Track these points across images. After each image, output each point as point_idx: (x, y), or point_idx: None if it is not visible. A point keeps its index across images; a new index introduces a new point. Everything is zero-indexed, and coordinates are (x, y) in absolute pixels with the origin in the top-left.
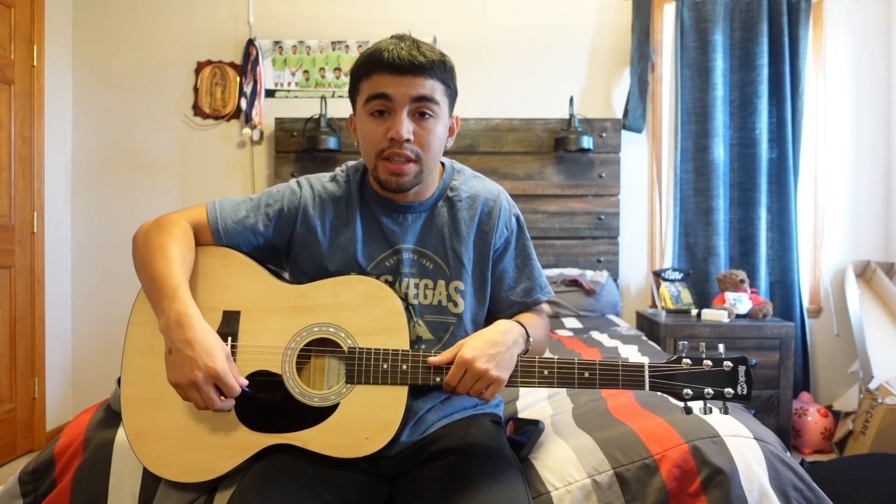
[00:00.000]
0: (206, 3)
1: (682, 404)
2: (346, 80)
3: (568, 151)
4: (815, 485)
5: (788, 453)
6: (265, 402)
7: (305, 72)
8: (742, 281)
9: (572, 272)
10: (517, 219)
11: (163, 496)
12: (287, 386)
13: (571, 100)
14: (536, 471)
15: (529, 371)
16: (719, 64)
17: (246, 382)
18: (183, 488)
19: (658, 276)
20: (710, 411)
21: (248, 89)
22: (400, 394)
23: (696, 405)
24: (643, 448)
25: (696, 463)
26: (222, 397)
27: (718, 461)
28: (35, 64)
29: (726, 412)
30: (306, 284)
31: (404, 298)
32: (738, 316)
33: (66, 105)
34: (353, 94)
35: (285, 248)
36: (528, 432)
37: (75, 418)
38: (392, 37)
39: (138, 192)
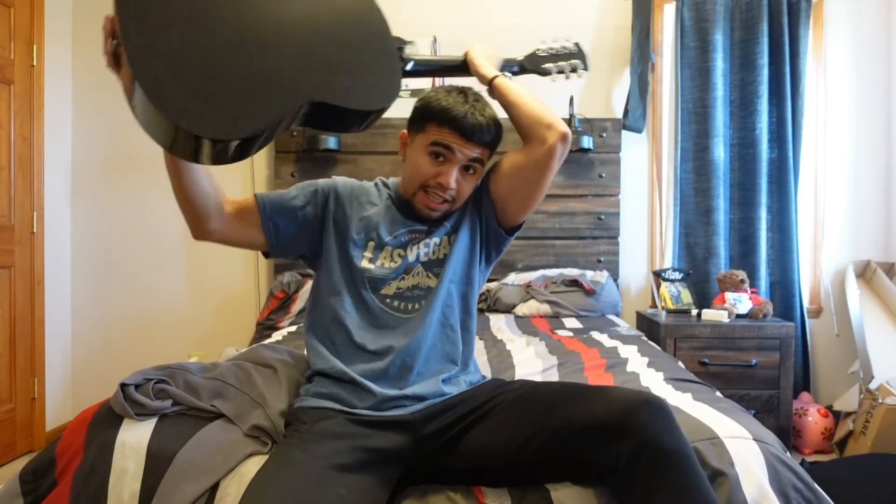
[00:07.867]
0: None
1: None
2: None
3: (568, 151)
4: (815, 485)
5: (788, 454)
6: None
7: None
8: (742, 281)
9: (572, 272)
10: None
11: (163, 496)
12: None
13: (571, 99)
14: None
15: None
16: (719, 64)
17: None
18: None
19: (658, 276)
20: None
21: None
22: None
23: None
24: None
25: None
26: None
27: (718, 463)
28: (35, 64)
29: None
30: None
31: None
32: (738, 316)
33: (66, 105)
34: (415, 126)
35: (319, 225)
36: None
37: (76, 418)
38: (459, 94)
39: (138, 192)
